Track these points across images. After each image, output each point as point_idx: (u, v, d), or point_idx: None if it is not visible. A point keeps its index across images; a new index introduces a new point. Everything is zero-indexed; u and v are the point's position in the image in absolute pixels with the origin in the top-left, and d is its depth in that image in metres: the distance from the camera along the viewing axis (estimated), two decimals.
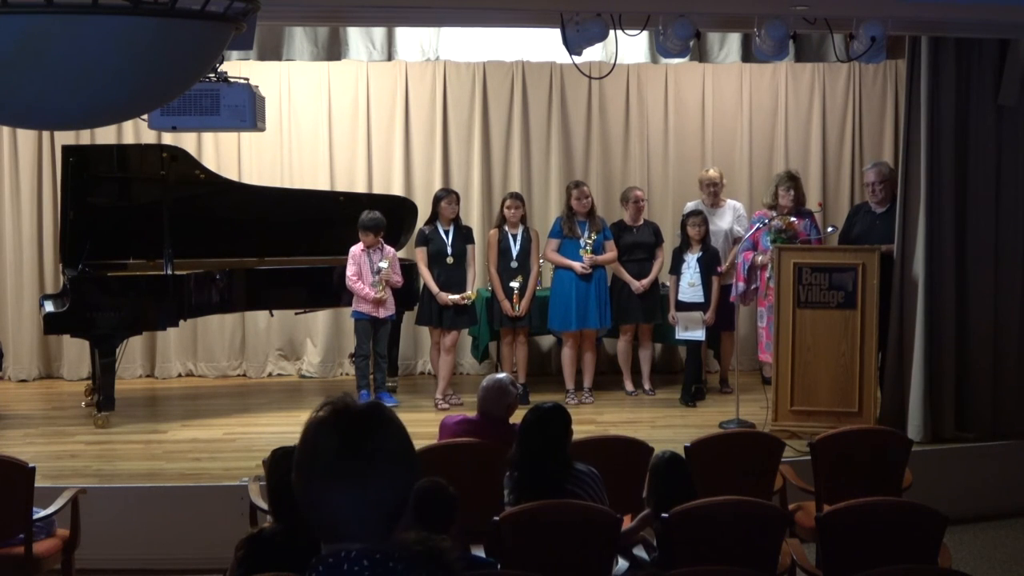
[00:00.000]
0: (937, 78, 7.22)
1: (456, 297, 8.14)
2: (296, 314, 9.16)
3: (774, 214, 7.96)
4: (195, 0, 2.55)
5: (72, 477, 6.46)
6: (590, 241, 8.23)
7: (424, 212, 8.64)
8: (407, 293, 8.44)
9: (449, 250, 8.21)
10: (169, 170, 7.99)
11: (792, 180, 8.13)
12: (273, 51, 9.24)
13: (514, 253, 8.27)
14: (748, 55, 9.33)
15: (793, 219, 7.85)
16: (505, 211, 8.27)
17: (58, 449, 7.24)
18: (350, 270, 8.08)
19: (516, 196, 8.39)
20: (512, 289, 8.21)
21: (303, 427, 2.06)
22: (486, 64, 9.50)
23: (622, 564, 4.51)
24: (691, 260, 8.23)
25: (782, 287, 7.33)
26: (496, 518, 4.24)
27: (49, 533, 5.39)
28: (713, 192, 8.72)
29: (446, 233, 8.26)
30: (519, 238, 8.30)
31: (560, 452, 4.58)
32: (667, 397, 8.52)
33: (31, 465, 5.13)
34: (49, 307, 7.96)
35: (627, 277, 8.40)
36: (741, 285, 7.98)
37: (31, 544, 5.11)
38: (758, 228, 7.92)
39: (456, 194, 8.47)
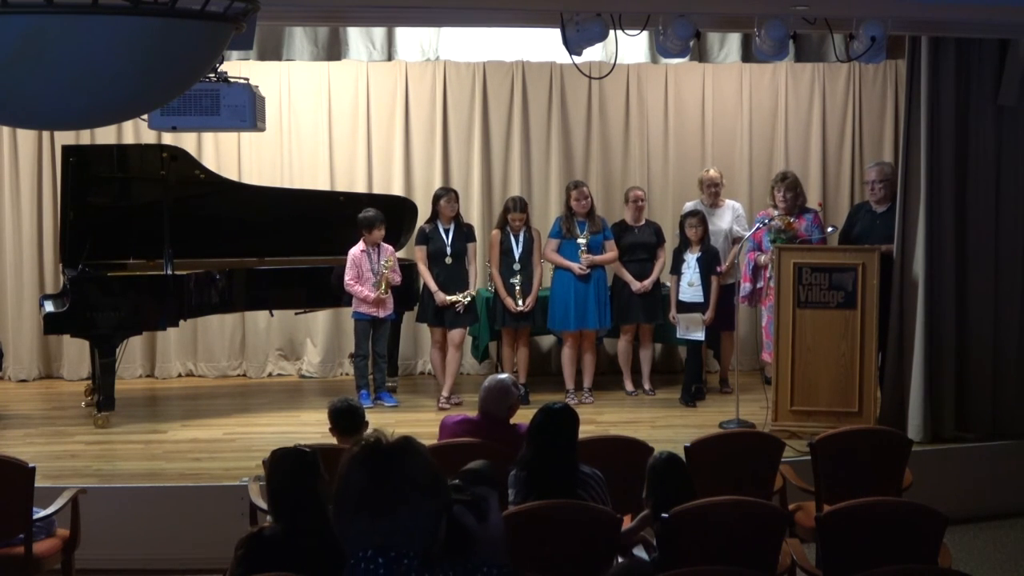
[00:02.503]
0: (937, 78, 7.22)
1: (452, 299, 8.12)
2: (296, 314, 9.16)
3: (776, 214, 7.96)
4: (195, 0, 2.55)
5: (72, 477, 6.46)
6: (585, 242, 8.22)
7: (424, 212, 8.64)
8: (407, 293, 8.44)
9: (448, 249, 8.21)
10: (169, 170, 7.98)
11: (783, 180, 8.07)
12: (273, 51, 9.24)
13: (517, 255, 8.27)
14: (748, 55, 9.33)
15: (792, 219, 7.86)
16: (511, 221, 8.25)
17: (58, 449, 7.24)
18: (348, 275, 8.08)
19: (522, 209, 8.29)
20: (513, 285, 8.21)
21: (339, 464, 2.23)
22: (486, 64, 9.50)
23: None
24: (691, 260, 8.23)
25: (782, 287, 7.33)
26: None
27: (49, 533, 5.39)
28: (713, 192, 8.72)
29: (446, 232, 8.26)
30: (521, 239, 8.30)
31: (568, 454, 4.58)
32: (667, 397, 8.52)
33: (31, 465, 5.13)
34: (49, 307, 7.96)
35: (628, 277, 8.40)
36: (747, 286, 7.98)
37: (31, 544, 5.11)
38: (758, 228, 7.92)
39: (455, 192, 8.48)
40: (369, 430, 5.41)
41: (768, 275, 7.74)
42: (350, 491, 2.19)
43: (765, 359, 8.15)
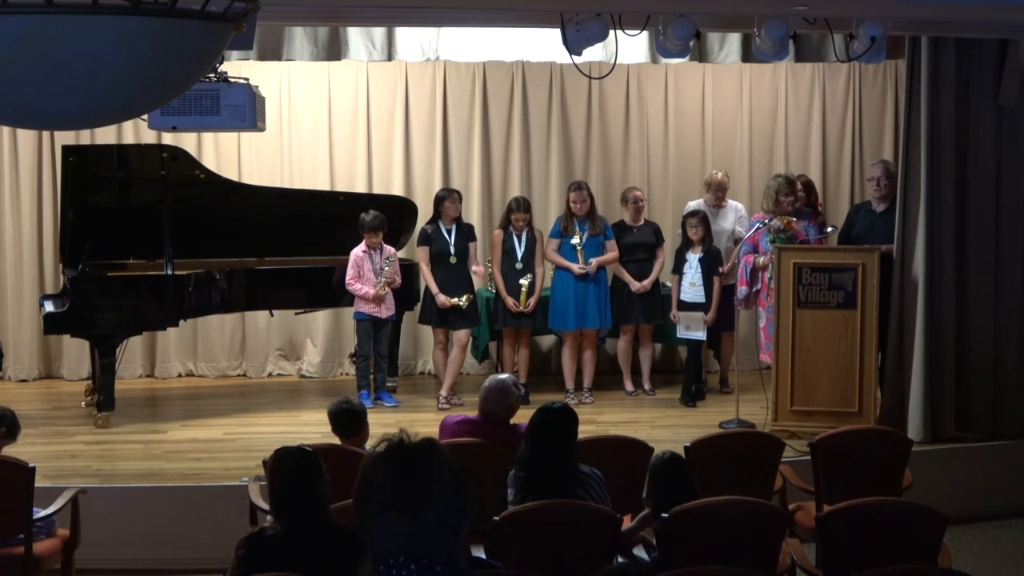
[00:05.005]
0: (937, 78, 7.22)
1: (453, 301, 8.11)
2: (296, 314, 9.16)
3: (772, 216, 7.93)
4: (195, 0, 2.55)
5: (72, 477, 6.47)
6: (579, 242, 8.20)
7: (424, 212, 8.64)
8: (407, 293, 8.44)
9: (452, 249, 8.21)
10: (169, 170, 7.99)
11: (791, 185, 8.05)
12: (273, 51, 9.23)
13: (519, 254, 8.28)
14: (748, 55, 9.33)
15: (792, 219, 7.84)
16: (514, 221, 8.26)
17: (58, 449, 7.24)
18: (349, 274, 8.09)
19: (526, 209, 8.32)
20: (520, 287, 8.21)
21: (362, 462, 2.26)
22: (486, 64, 9.50)
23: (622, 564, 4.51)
24: (692, 260, 8.23)
25: (782, 287, 7.33)
26: (496, 518, 4.24)
27: (49, 533, 5.40)
28: (719, 195, 8.70)
29: (448, 232, 8.26)
30: (523, 238, 8.30)
31: (567, 453, 4.58)
32: (667, 397, 8.52)
33: (31, 465, 5.13)
34: (49, 307, 7.96)
35: (627, 277, 8.40)
36: (744, 289, 7.91)
37: (31, 544, 5.12)
38: (757, 229, 7.89)
39: (458, 193, 8.48)
40: (371, 431, 5.45)
41: (768, 276, 7.70)
42: (375, 488, 2.21)
43: (764, 359, 8.11)
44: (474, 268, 8.36)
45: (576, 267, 8.21)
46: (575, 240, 8.22)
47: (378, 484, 2.21)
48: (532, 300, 8.26)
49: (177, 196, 8.02)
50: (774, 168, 9.38)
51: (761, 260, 7.79)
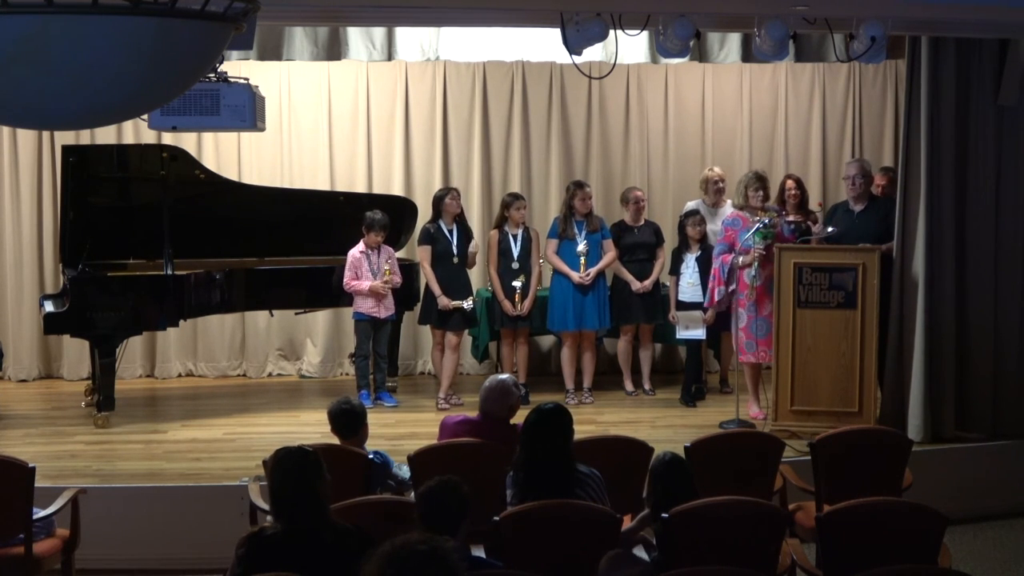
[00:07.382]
0: (937, 78, 7.22)
1: (455, 304, 8.11)
2: (296, 314, 9.16)
3: (750, 216, 7.76)
4: (195, 0, 2.55)
5: (72, 477, 6.47)
6: (584, 250, 8.18)
7: (424, 212, 8.64)
8: (407, 293, 8.44)
9: (454, 249, 8.21)
10: (169, 170, 7.98)
11: (760, 181, 7.91)
12: (273, 51, 9.23)
13: (515, 254, 8.27)
14: (748, 55, 9.33)
15: (775, 215, 7.76)
16: (515, 213, 8.25)
17: (58, 449, 7.24)
18: (347, 275, 8.09)
19: (520, 197, 8.39)
20: (515, 288, 8.21)
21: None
22: (486, 64, 9.50)
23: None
24: (690, 260, 8.23)
25: (782, 287, 7.32)
26: (496, 518, 4.24)
27: (49, 533, 5.39)
28: (717, 191, 8.68)
29: (450, 232, 8.25)
30: (519, 238, 8.29)
31: (563, 453, 4.58)
32: (667, 397, 8.52)
33: (31, 465, 5.13)
34: (49, 307, 7.96)
35: (628, 277, 8.40)
36: (722, 289, 7.71)
37: (31, 544, 5.11)
38: (758, 230, 7.75)
39: (457, 191, 8.46)
40: (371, 431, 5.46)
41: (748, 276, 7.53)
42: None
43: (744, 360, 7.87)
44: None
45: (576, 276, 8.18)
46: (580, 248, 8.20)
47: None
48: (527, 303, 8.24)
49: (177, 196, 8.01)
50: (774, 168, 9.38)
51: (742, 259, 7.61)
